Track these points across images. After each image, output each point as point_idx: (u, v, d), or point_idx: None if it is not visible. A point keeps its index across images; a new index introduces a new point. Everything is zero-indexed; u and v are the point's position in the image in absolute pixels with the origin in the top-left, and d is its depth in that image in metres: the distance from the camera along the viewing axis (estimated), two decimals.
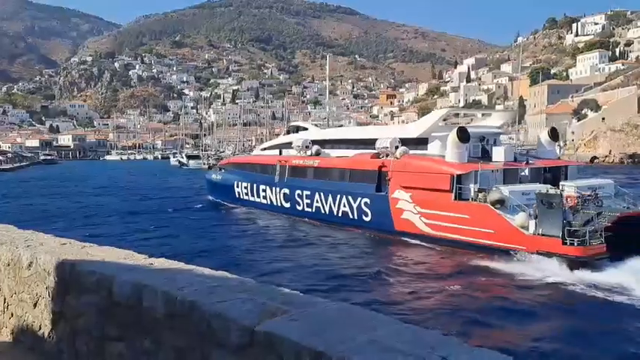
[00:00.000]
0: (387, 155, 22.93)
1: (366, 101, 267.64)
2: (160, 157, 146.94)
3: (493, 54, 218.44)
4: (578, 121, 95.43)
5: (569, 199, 16.99)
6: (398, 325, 2.23)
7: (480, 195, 18.39)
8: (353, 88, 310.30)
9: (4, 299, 4.29)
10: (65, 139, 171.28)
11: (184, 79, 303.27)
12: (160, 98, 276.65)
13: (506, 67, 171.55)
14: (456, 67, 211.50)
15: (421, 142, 22.88)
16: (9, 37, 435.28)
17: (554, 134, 23.48)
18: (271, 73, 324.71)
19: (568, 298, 13.39)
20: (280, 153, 31.16)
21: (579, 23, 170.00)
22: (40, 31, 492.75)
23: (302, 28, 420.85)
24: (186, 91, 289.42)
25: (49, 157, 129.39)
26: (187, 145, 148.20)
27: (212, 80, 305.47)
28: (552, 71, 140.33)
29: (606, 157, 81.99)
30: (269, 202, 29.43)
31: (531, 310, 12.42)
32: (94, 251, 4.10)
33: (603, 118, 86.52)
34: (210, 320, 2.52)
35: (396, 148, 22.86)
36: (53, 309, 3.71)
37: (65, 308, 3.60)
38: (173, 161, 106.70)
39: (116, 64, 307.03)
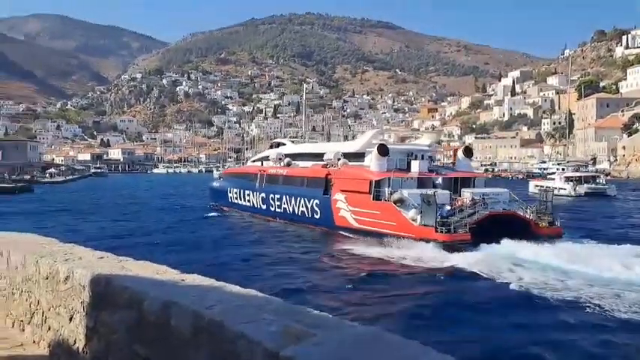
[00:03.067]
0: (332, 166, 28.80)
1: (407, 115, 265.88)
2: (204, 170, 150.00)
3: (539, 67, 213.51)
4: (629, 135, 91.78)
5: (458, 201, 22.81)
6: (434, 355, 2.10)
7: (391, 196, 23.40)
8: (394, 102, 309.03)
9: (42, 312, 4.37)
10: (115, 153, 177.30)
11: (228, 95, 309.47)
12: (205, 113, 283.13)
13: (552, 81, 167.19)
14: (500, 80, 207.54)
15: (360, 155, 28.41)
16: (63, 56, 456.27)
17: (467, 152, 29.55)
18: (312, 87, 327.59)
19: (433, 271, 17.91)
20: (262, 164, 37.24)
21: (629, 35, 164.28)
22: (93, 50, 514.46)
23: (343, 44, 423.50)
24: (229, 106, 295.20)
25: (99, 170, 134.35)
26: (230, 159, 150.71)
27: (255, 95, 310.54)
28: (601, 84, 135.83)
29: None
30: (252, 205, 35.09)
31: (404, 280, 17.17)
32: (130, 265, 4.13)
33: None
34: (235, 342, 2.44)
35: (338, 160, 28.89)
36: (87, 324, 3.73)
37: (99, 324, 3.62)
38: (215, 174, 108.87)
39: (164, 81, 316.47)
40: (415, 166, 26.03)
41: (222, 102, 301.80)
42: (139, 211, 40.47)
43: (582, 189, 51.05)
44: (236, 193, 37.31)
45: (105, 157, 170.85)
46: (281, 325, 2.47)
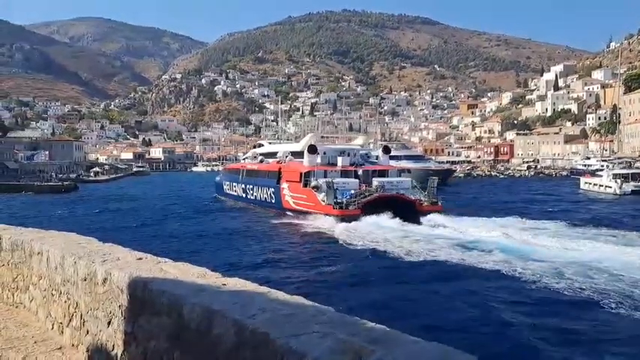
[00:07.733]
0: (283, 162, 37.46)
1: (446, 111, 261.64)
2: None
3: (583, 60, 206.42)
4: None
5: (363, 186, 30.65)
6: None
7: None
8: (432, 98, 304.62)
9: (81, 315, 4.25)
10: (156, 152, 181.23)
11: (265, 93, 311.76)
12: (243, 112, 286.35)
13: (597, 74, 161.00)
14: (542, 75, 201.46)
15: (303, 153, 35.26)
16: (106, 58, 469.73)
17: (386, 150, 38.68)
18: (349, 85, 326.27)
19: (329, 237, 24.96)
20: (244, 161, 47.06)
21: None
22: (134, 51, 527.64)
23: (380, 40, 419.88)
24: (267, 105, 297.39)
25: (141, 169, 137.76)
26: None
27: (292, 94, 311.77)
28: None
29: None
30: (237, 195, 43.91)
31: (300, 238, 25.64)
32: (168, 267, 3.95)
33: None
34: (283, 357, 2.20)
35: (286, 157, 38.00)
36: (125, 329, 3.57)
37: (137, 330, 3.44)
38: None
39: (203, 81, 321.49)
40: (340, 161, 33.95)
41: (260, 101, 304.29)
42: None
43: (629, 187, 48.70)
44: (228, 185, 46.49)
45: (147, 156, 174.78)
46: (337, 339, 2.20)
